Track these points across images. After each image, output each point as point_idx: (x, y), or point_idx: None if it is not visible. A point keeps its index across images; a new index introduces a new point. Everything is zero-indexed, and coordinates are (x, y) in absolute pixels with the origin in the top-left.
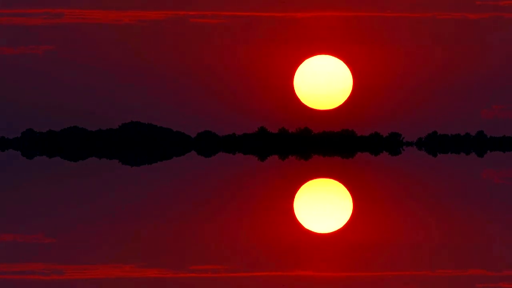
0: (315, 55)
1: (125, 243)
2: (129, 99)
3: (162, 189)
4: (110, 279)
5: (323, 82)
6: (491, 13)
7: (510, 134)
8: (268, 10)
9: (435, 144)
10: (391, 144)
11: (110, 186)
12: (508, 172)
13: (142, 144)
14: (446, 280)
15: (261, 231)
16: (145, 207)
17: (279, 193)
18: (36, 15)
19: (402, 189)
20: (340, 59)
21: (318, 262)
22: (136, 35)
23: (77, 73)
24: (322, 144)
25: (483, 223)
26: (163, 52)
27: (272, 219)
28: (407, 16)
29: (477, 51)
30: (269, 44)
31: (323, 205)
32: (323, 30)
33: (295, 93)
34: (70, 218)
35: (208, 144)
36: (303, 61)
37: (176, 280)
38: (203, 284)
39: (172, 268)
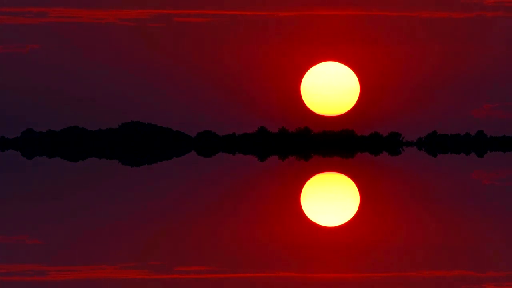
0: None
1: (119, 243)
2: (129, 99)
3: (162, 190)
4: (95, 280)
5: (331, 89)
6: (476, 12)
7: (510, 134)
8: (268, 10)
9: (435, 144)
10: (391, 144)
11: (110, 186)
12: (502, 173)
13: (142, 144)
14: (429, 281)
15: (261, 232)
16: (144, 207)
17: (279, 194)
18: (20, 14)
19: (402, 189)
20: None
21: (306, 262)
22: (135, 34)
23: (73, 72)
24: (322, 144)
25: (475, 224)
26: (162, 51)
27: (272, 219)
28: (393, 15)
29: (466, 51)
30: (268, 43)
31: (329, 200)
32: (319, 29)
33: (301, 98)
34: (63, 219)
35: (208, 144)
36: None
37: (161, 282)
38: (197, 285)
39: (158, 270)
